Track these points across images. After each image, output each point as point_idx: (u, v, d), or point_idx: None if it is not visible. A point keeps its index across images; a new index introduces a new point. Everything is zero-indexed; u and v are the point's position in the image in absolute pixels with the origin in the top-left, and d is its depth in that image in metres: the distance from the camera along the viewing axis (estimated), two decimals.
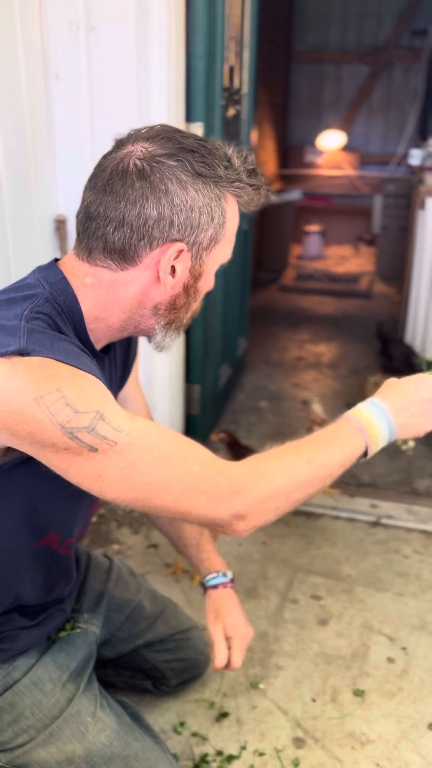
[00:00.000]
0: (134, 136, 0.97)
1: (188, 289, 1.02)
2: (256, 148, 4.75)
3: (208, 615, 1.33)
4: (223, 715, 1.58)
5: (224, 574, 1.38)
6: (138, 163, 0.93)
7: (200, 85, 2.19)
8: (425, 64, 6.04)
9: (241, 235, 2.98)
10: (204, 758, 1.47)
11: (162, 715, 1.57)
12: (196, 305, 1.07)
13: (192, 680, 1.61)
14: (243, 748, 1.50)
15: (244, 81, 2.86)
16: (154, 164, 0.93)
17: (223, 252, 1.03)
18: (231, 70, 2.63)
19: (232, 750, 1.50)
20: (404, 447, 1.13)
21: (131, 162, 0.93)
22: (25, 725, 1.13)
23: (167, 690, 1.58)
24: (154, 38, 1.98)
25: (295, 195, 5.73)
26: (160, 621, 1.49)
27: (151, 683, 1.56)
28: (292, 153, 6.86)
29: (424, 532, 2.27)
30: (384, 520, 2.32)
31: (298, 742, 1.52)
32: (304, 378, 3.59)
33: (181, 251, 0.97)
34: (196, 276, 1.01)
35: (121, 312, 1.00)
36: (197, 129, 2.23)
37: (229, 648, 1.28)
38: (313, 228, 6.22)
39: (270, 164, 6.16)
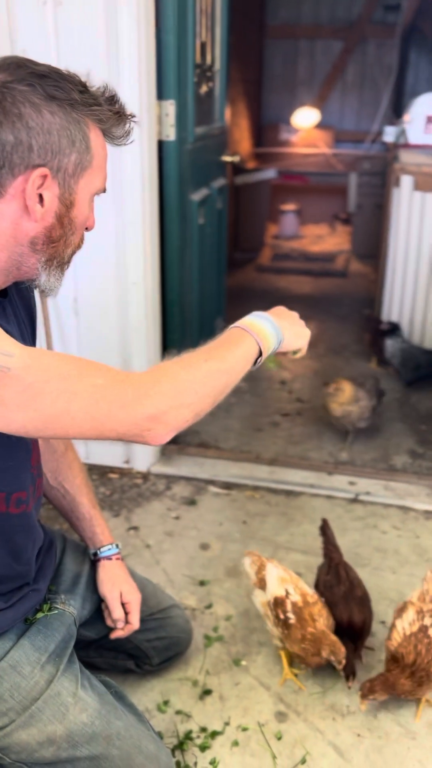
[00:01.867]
0: None
1: (62, 219, 1.02)
2: (230, 126, 4.70)
3: (105, 584, 1.42)
4: (207, 692, 1.60)
5: (116, 546, 1.47)
6: None
7: (171, 60, 2.16)
8: (398, 40, 6.02)
9: (216, 214, 2.95)
10: (188, 735, 1.49)
11: (146, 695, 1.59)
12: (74, 239, 1.06)
13: (175, 658, 1.63)
14: (227, 724, 1.52)
15: (216, 57, 2.82)
16: (5, 90, 0.92)
17: (94, 181, 1.03)
18: (203, 45, 2.59)
19: (216, 726, 1.52)
20: (296, 356, 1.23)
21: None
22: (4, 708, 1.13)
23: (150, 669, 1.59)
24: (124, 12, 1.94)
25: (270, 173, 5.70)
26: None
27: (133, 663, 1.57)
28: (266, 131, 6.80)
29: (401, 507, 2.30)
30: (362, 497, 2.35)
31: (281, 716, 1.54)
32: (282, 357, 3.59)
33: (45, 177, 0.96)
34: (67, 205, 1.01)
35: None
36: (169, 107, 2.19)
37: (127, 612, 1.42)
38: (289, 207, 6.19)
39: (244, 142, 6.10)
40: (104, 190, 1.08)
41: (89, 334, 2.33)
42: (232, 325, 1.13)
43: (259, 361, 1.11)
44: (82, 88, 0.99)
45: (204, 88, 2.67)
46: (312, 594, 1.59)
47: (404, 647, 1.47)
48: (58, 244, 1.03)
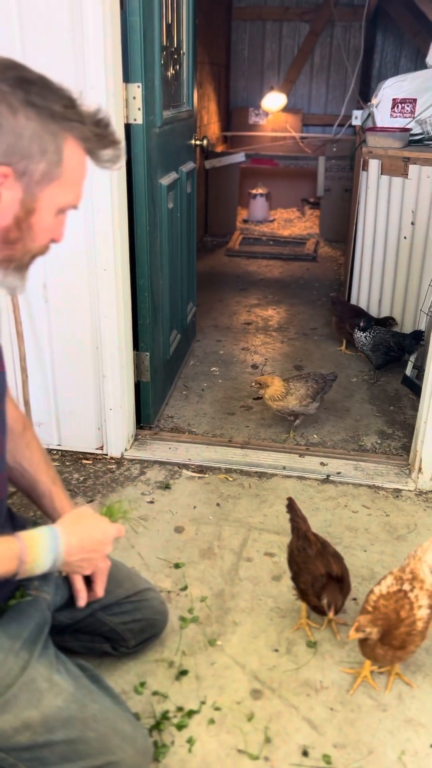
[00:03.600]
0: None
1: (20, 223, 1.02)
2: (198, 110, 4.67)
3: None
4: (183, 673, 1.62)
5: None
6: None
7: (138, 42, 2.13)
8: (364, 23, 6.02)
9: (185, 198, 2.94)
10: (165, 715, 1.51)
11: (122, 677, 1.60)
12: (34, 246, 1.07)
13: (150, 639, 1.64)
14: (203, 703, 1.55)
15: (183, 39, 2.79)
16: None
17: (62, 195, 1.04)
18: (169, 27, 2.56)
19: (192, 705, 1.54)
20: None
21: None
22: None
23: (126, 651, 1.61)
24: None
25: (239, 157, 5.68)
26: (114, 584, 1.51)
27: (110, 645, 1.59)
28: (235, 114, 6.77)
29: (371, 487, 2.34)
30: (333, 477, 2.38)
31: (256, 694, 1.57)
32: (254, 342, 3.61)
33: (6, 176, 0.97)
34: (27, 210, 1.02)
35: None
36: (136, 90, 2.17)
37: (93, 582, 1.43)
38: (259, 191, 6.19)
39: (213, 126, 6.07)
40: (75, 207, 1.08)
41: (59, 320, 2.32)
42: (24, 537, 1.16)
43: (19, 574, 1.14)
44: (68, 102, 0.99)
45: (171, 71, 2.65)
46: None
47: (383, 604, 1.49)
48: (15, 246, 1.04)
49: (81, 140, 1.01)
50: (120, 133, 2.14)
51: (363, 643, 1.52)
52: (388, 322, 3.35)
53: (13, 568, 1.12)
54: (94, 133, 1.02)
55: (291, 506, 1.84)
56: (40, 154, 0.98)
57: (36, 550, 1.14)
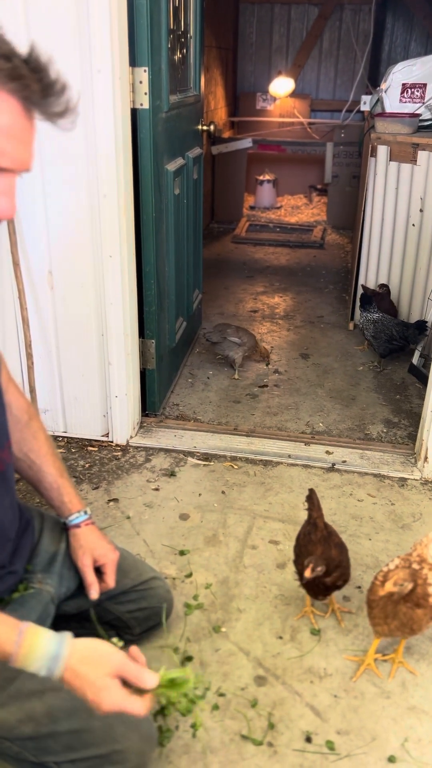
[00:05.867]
0: None
1: None
2: (205, 95, 4.63)
3: (77, 551, 1.42)
4: (188, 659, 1.63)
5: (85, 512, 1.46)
6: None
7: (144, 26, 2.11)
8: (374, 6, 5.93)
9: (192, 184, 2.92)
10: (170, 700, 1.52)
11: None
12: None
13: (155, 627, 1.65)
14: (207, 689, 1.55)
15: (190, 22, 2.76)
16: None
17: None
18: (176, 10, 2.53)
19: (197, 691, 1.54)
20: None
21: None
22: None
23: (131, 638, 1.61)
24: None
25: (246, 143, 5.64)
26: (120, 573, 1.51)
27: (115, 633, 1.59)
28: (243, 99, 6.71)
29: (376, 475, 2.34)
30: (338, 466, 2.38)
31: (260, 680, 1.58)
32: (260, 330, 3.60)
33: None
34: None
35: None
36: (143, 74, 2.15)
37: (104, 573, 1.42)
38: (266, 177, 6.15)
39: (220, 111, 6.02)
40: (13, 171, 0.95)
41: (65, 307, 2.31)
42: (29, 633, 1.04)
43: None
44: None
45: (178, 55, 2.62)
46: None
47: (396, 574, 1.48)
48: None
49: (14, 89, 0.89)
50: (127, 119, 2.13)
51: (383, 607, 1.50)
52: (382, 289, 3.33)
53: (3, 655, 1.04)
54: (19, 72, 0.88)
55: (310, 497, 1.81)
56: None
57: (37, 650, 1.04)
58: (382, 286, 3.35)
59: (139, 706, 1.03)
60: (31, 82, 0.89)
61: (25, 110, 0.92)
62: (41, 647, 1.03)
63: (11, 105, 0.90)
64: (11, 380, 1.43)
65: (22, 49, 0.91)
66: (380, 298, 3.25)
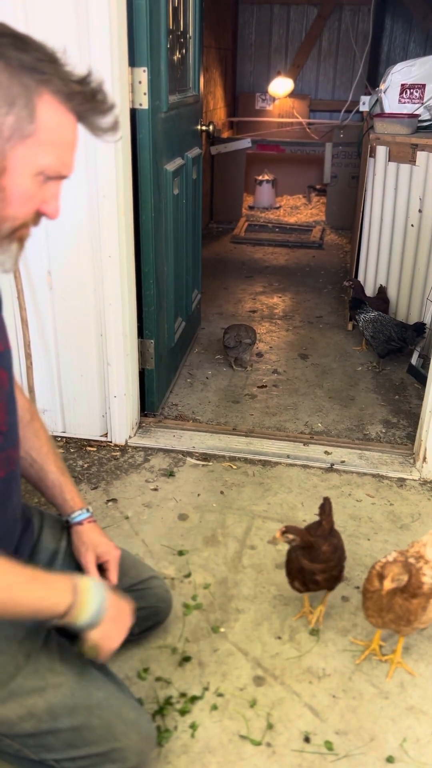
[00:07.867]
0: None
1: None
2: (204, 95, 4.63)
3: (80, 548, 1.43)
4: (186, 659, 1.63)
5: (87, 510, 1.47)
6: None
7: (144, 25, 2.10)
8: (373, 6, 5.93)
9: (191, 184, 2.92)
10: (168, 700, 1.52)
11: (126, 663, 1.61)
12: (10, 212, 0.97)
13: (154, 627, 1.65)
14: (206, 689, 1.55)
15: (189, 22, 2.76)
16: None
17: (38, 156, 0.95)
18: (176, 10, 2.53)
19: (195, 691, 1.55)
20: (86, 648, 1.22)
21: None
22: None
23: (130, 638, 1.60)
24: None
25: (245, 143, 5.64)
26: (119, 573, 1.51)
27: None
28: (242, 99, 6.71)
29: (375, 476, 2.34)
30: (337, 466, 2.38)
31: (258, 681, 1.58)
32: (259, 330, 3.60)
33: None
34: None
35: None
36: (142, 74, 2.15)
37: (106, 570, 1.44)
38: (265, 177, 6.15)
39: (219, 111, 6.02)
40: (62, 176, 1.00)
41: (64, 307, 2.31)
42: (73, 576, 1.15)
43: (54, 622, 1.13)
44: (44, 56, 0.92)
45: (177, 55, 2.62)
46: None
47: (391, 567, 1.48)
48: None
49: (61, 97, 0.94)
50: (126, 119, 2.13)
51: (379, 599, 1.50)
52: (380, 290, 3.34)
53: (65, 601, 1.11)
54: (78, 93, 0.93)
55: (323, 506, 1.78)
56: (7, 106, 0.90)
57: (85, 586, 1.15)
58: (381, 289, 3.39)
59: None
60: (94, 103, 0.97)
61: (78, 125, 0.99)
62: (89, 607, 1.14)
63: (72, 122, 0.98)
64: (12, 368, 1.44)
65: (81, 70, 0.98)
66: (371, 300, 3.29)
